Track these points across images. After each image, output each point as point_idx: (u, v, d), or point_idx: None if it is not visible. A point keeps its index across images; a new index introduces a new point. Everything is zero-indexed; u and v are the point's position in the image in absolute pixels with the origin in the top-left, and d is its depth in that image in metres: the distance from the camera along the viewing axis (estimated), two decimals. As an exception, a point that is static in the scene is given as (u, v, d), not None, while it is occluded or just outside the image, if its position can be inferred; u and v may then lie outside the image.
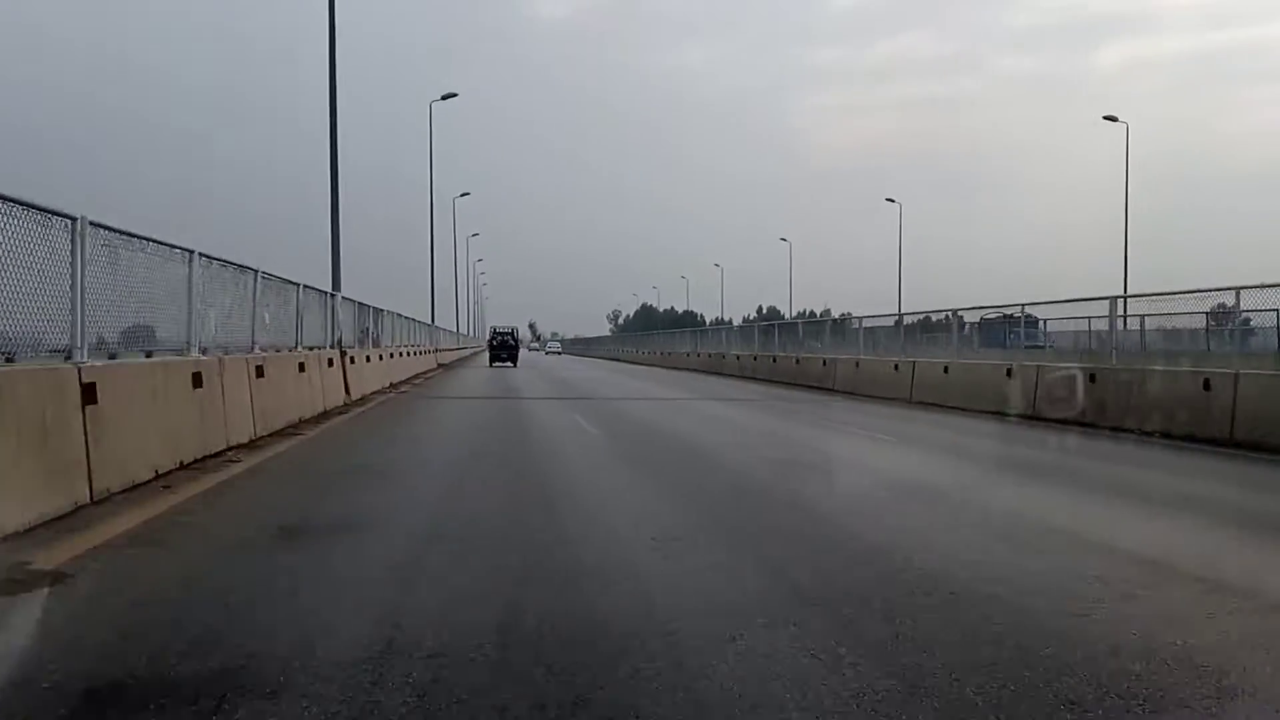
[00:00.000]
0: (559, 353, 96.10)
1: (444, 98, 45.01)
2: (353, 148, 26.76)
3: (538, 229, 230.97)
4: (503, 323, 55.39)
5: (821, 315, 55.39)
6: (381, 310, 23.87)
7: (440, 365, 43.13)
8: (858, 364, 23.07)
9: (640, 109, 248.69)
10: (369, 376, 18.87)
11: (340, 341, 16.56)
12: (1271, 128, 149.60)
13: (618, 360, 61.68)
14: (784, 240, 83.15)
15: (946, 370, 18.69)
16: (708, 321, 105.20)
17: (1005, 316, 21.62)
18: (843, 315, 36.75)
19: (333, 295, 16.92)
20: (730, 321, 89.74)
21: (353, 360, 17.02)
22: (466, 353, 67.67)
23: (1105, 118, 47.41)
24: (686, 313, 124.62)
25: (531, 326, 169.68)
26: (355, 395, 16.51)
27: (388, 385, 21.34)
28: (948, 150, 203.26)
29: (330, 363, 14.99)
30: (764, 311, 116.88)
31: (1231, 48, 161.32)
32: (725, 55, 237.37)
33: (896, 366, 20.73)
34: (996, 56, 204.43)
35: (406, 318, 32.14)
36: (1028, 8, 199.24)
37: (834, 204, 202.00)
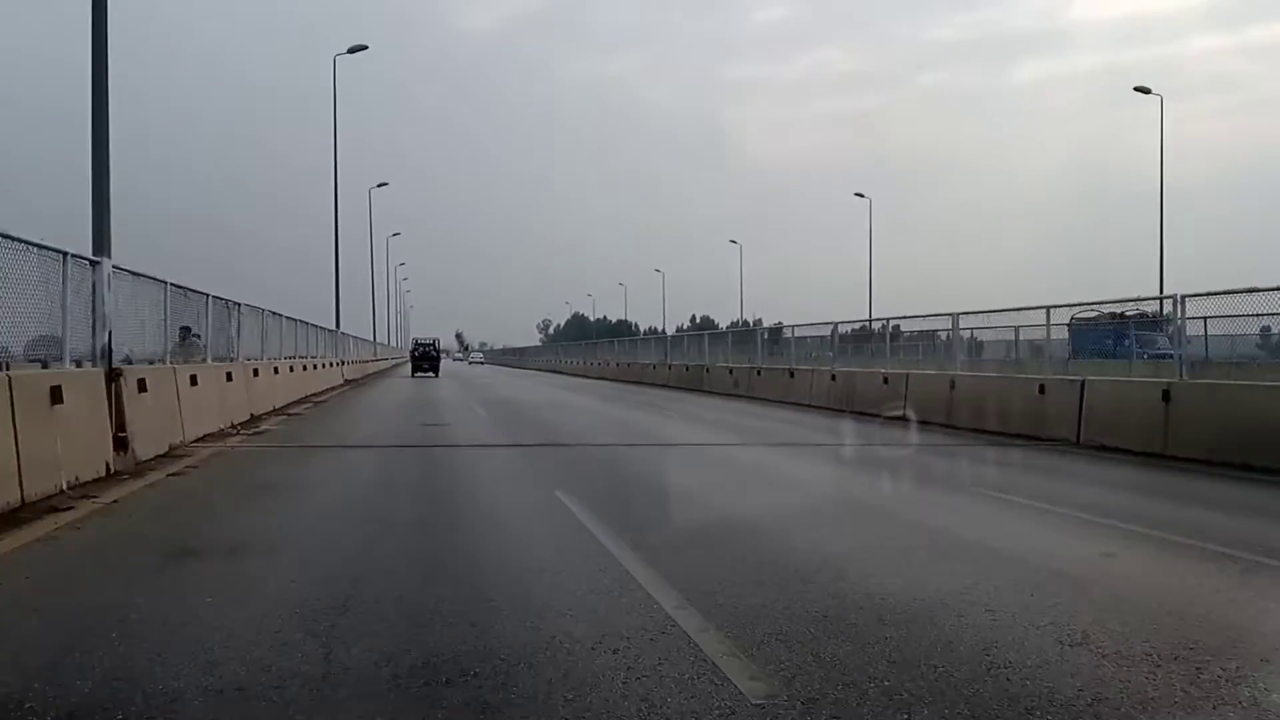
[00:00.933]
0: (482, 362, 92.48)
1: (351, 50, 37.62)
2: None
3: (465, 240, 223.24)
4: (426, 334, 54.84)
5: (754, 325, 50.72)
6: (238, 305, 15.97)
7: (347, 381, 34.87)
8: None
9: (567, 119, 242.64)
10: (194, 409, 11.20)
11: (106, 350, 8.83)
12: (1179, 144, 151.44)
13: (558, 372, 54.52)
14: (734, 242, 78.44)
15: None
16: (641, 331, 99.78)
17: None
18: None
19: (92, 263, 9.15)
20: (658, 330, 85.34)
21: (142, 386, 9.32)
22: (387, 364, 59.61)
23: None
24: (620, 322, 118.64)
25: (459, 336, 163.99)
26: (145, 450, 8.91)
27: (240, 421, 13.65)
28: (870, 162, 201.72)
29: (57, 396, 7.18)
30: (697, 321, 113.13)
31: (1142, 64, 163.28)
32: (650, 66, 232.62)
33: (886, 379, 18.49)
34: (915, 72, 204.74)
35: (294, 319, 24.07)
36: (945, 24, 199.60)
37: (764, 214, 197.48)
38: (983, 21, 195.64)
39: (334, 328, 40.83)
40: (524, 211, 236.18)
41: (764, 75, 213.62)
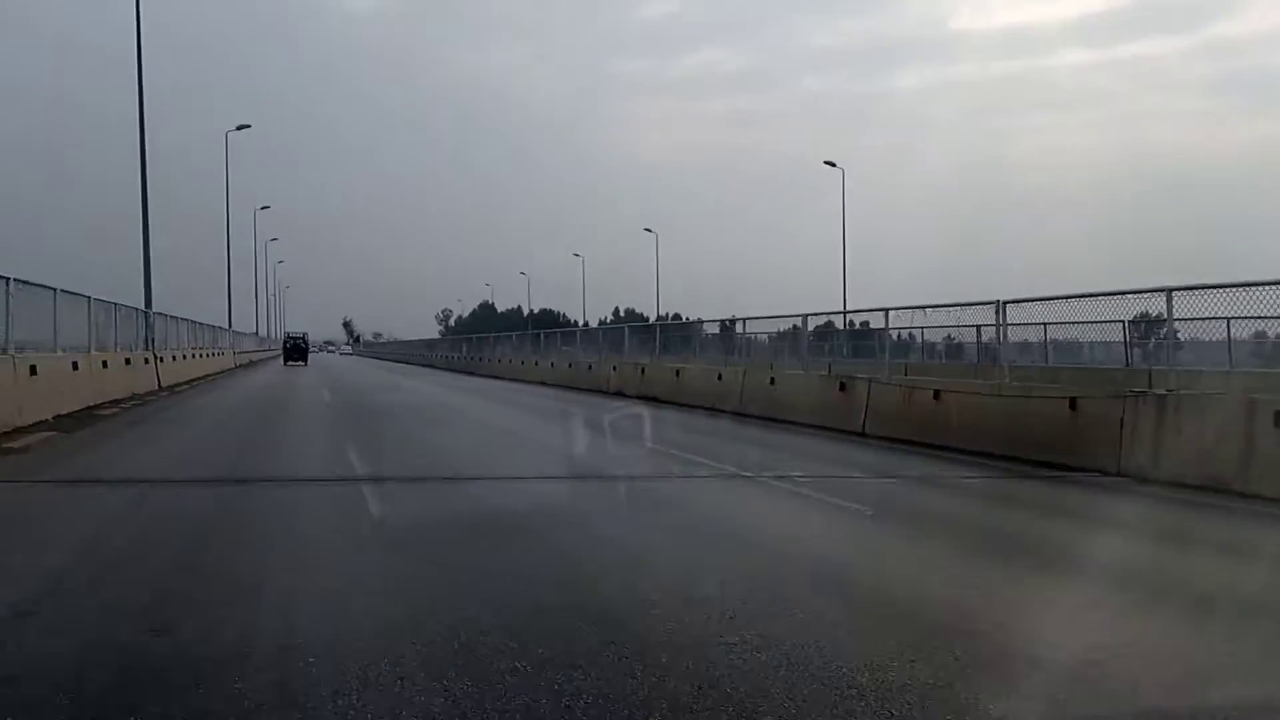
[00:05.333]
0: (349, 354, 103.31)
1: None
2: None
3: (353, 231, 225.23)
4: (299, 328, 63.53)
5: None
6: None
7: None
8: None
9: (445, 112, 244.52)
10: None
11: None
12: (1050, 156, 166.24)
13: (471, 374, 42.46)
14: (649, 230, 76.57)
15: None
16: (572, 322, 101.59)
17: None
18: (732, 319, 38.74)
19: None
20: (581, 323, 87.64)
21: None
22: (270, 354, 68.31)
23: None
24: (545, 311, 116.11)
25: (347, 325, 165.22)
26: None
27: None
28: (754, 162, 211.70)
29: None
30: (622, 314, 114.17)
31: (1022, 76, 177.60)
32: (535, 59, 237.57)
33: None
34: (797, 75, 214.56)
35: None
36: (828, 30, 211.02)
37: (643, 211, 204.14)
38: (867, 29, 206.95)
39: (228, 326, 48.57)
40: (405, 207, 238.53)
41: (648, 71, 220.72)
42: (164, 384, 24.24)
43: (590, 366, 30.19)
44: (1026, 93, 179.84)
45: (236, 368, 45.99)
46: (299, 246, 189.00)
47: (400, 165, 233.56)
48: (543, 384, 31.76)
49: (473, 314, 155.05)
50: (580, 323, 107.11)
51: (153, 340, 24.31)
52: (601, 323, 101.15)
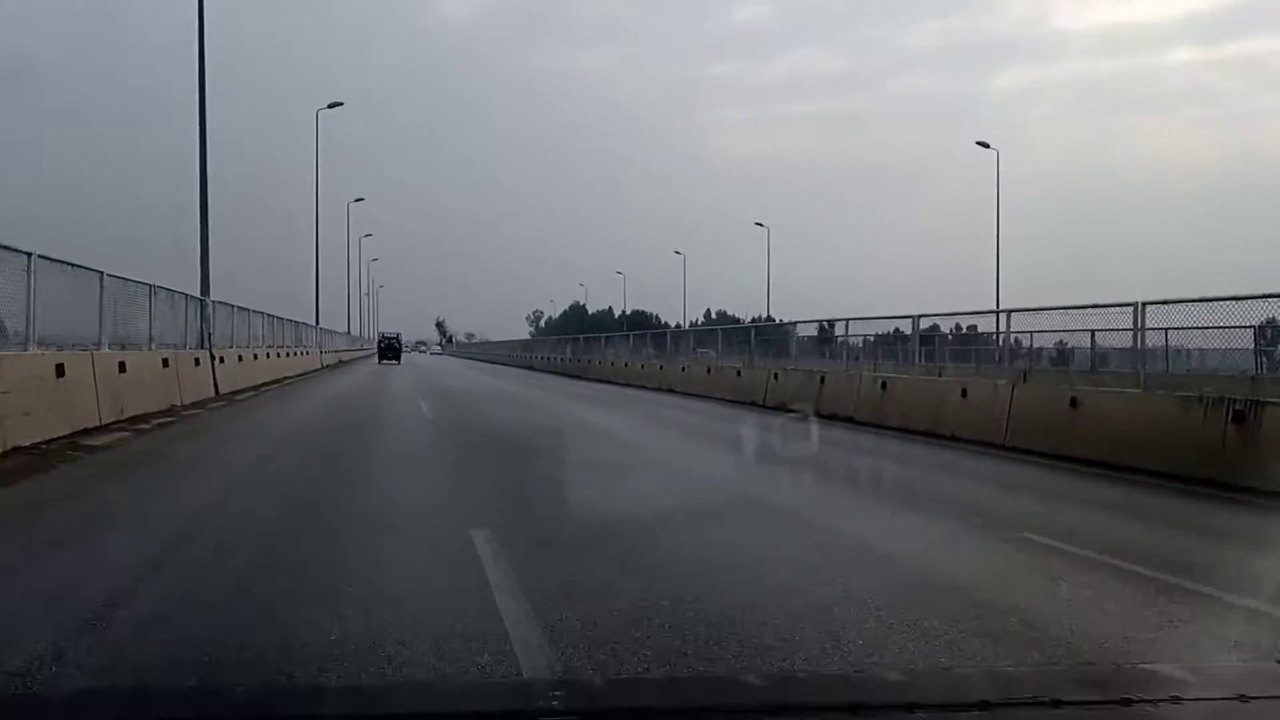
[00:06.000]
0: (439, 354, 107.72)
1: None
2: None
3: (448, 233, 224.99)
4: (392, 328, 66.46)
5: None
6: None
7: (325, 366, 38.10)
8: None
9: (537, 115, 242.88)
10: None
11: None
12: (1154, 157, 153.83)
13: (579, 378, 36.74)
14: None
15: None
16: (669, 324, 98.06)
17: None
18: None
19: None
20: (674, 325, 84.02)
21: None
22: (361, 353, 67.80)
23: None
24: (637, 312, 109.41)
25: (440, 325, 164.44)
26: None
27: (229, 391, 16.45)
28: (849, 167, 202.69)
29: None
30: (714, 315, 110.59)
31: (1125, 74, 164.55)
32: (626, 62, 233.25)
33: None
34: (891, 76, 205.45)
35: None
36: (922, 30, 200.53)
37: (736, 216, 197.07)
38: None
39: (315, 322, 44.04)
40: (508, 207, 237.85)
41: (737, 74, 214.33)
42: (222, 390, 19.10)
43: (739, 373, 24.75)
44: (1130, 92, 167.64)
45: (324, 368, 41.44)
46: (392, 246, 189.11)
47: (493, 167, 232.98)
48: (672, 392, 26.97)
49: (563, 315, 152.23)
50: (674, 324, 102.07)
51: (210, 336, 19.23)
52: (694, 325, 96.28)
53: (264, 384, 23.61)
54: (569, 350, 49.71)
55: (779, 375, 21.90)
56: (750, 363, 25.40)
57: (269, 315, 27.31)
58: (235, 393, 19.77)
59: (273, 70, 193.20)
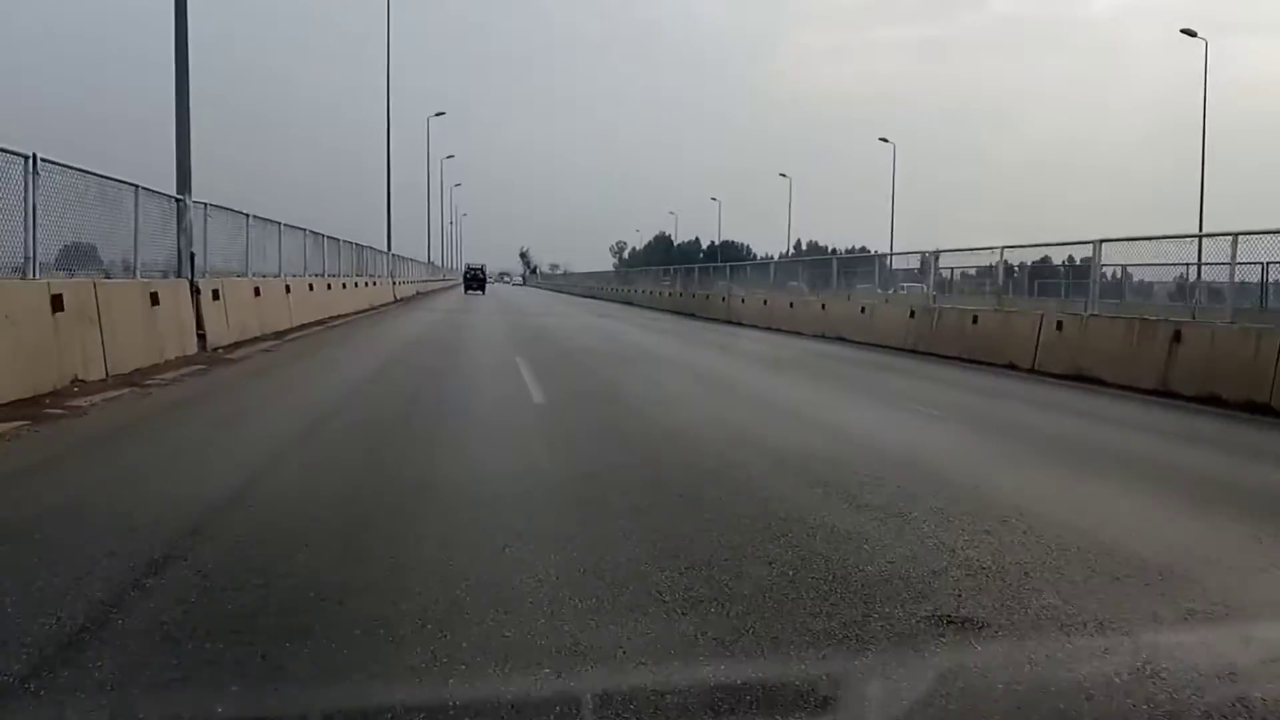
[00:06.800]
0: (520, 284, 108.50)
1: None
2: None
3: (533, 166, 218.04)
4: (478, 259, 70.34)
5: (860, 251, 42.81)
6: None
7: (399, 299, 31.25)
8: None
9: (621, 47, 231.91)
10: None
11: None
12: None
13: (694, 316, 31.83)
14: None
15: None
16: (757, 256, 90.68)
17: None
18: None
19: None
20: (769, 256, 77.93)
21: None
22: (441, 285, 63.87)
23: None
24: (726, 243, 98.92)
25: (523, 256, 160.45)
26: None
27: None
28: (943, 93, 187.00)
29: None
30: (803, 248, 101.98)
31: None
32: None
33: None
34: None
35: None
36: None
37: (828, 144, 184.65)
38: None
39: (386, 249, 37.21)
40: (593, 137, 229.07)
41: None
42: (216, 340, 12.15)
43: (975, 319, 16.69)
44: (1237, 11, 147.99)
45: (397, 301, 34.49)
46: (473, 175, 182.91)
47: (578, 94, 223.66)
48: (841, 340, 20.47)
49: (648, 246, 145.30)
50: (762, 256, 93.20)
51: (192, 257, 12.15)
52: (782, 256, 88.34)
53: (298, 328, 16.66)
54: (676, 282, 41.63)
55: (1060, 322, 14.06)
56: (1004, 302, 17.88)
57: (312, 233, 20.19)
58: (238, 344, 12.78)
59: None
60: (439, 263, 74.09)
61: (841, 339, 20.81)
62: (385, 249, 37.00)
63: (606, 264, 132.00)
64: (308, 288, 18.97)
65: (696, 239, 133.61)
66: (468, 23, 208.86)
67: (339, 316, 21.10)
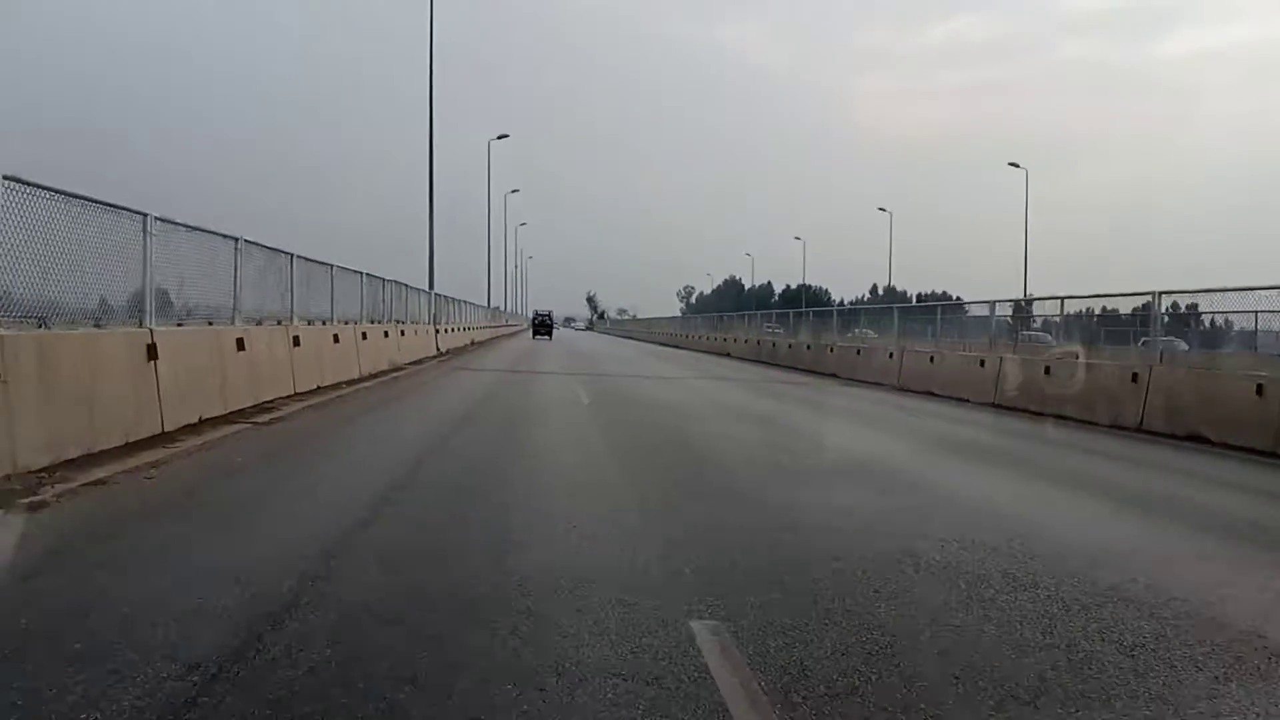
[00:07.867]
0: (587, 330, 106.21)
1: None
2: None
3: (599, 211, 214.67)
4: (544, 305, 74.35)
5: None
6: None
7: (443, 352, 23.19)
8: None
9: (687, 88, 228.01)
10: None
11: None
12: None
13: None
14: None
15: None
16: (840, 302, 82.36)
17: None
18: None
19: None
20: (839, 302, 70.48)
21: None
22: (505, 331, 61.09)
23: None
24: (803, 287, 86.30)
25: (590, 300, 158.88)
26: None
27: None
28: (1005, 135, 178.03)
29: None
30: (880, 292, 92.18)
31: None
32: (770, 32, 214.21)
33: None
34: (1054, 42, 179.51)
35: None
36: None
37: (894, 187, 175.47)
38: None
39: (429, 287, 29.55)
40: (661, 183, 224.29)
41: (893, 43, 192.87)
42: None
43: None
44: None
45: (440, 355, 26.30)
46: (540, 221, 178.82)
47: (643, 143, 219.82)
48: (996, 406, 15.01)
49: (716, 290, 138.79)
50: (840, 302, 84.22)
51: None
52: (858, 301, 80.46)
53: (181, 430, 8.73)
54: (801, 330, 31.81)
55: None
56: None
57: (289, 254, 12.23)
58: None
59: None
60: (500, 306, 67.84)
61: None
62: (427, 287, 29.33)
63: (673, 309, 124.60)
64: (285, 344, 10.82)
65: (769, 283, 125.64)
66: (529, 66, 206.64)
67: (288, 398, 12.88)
